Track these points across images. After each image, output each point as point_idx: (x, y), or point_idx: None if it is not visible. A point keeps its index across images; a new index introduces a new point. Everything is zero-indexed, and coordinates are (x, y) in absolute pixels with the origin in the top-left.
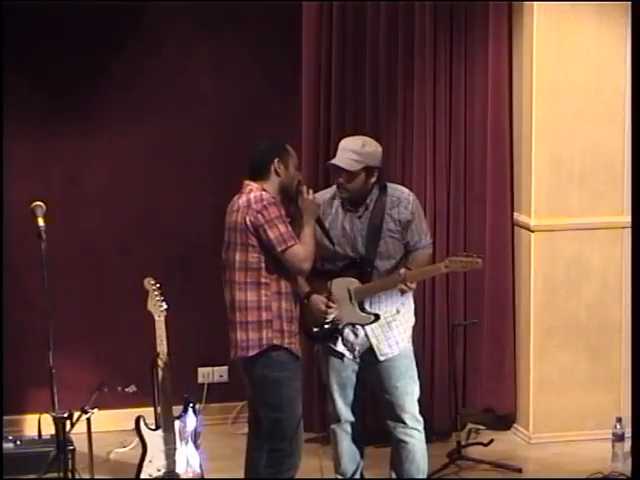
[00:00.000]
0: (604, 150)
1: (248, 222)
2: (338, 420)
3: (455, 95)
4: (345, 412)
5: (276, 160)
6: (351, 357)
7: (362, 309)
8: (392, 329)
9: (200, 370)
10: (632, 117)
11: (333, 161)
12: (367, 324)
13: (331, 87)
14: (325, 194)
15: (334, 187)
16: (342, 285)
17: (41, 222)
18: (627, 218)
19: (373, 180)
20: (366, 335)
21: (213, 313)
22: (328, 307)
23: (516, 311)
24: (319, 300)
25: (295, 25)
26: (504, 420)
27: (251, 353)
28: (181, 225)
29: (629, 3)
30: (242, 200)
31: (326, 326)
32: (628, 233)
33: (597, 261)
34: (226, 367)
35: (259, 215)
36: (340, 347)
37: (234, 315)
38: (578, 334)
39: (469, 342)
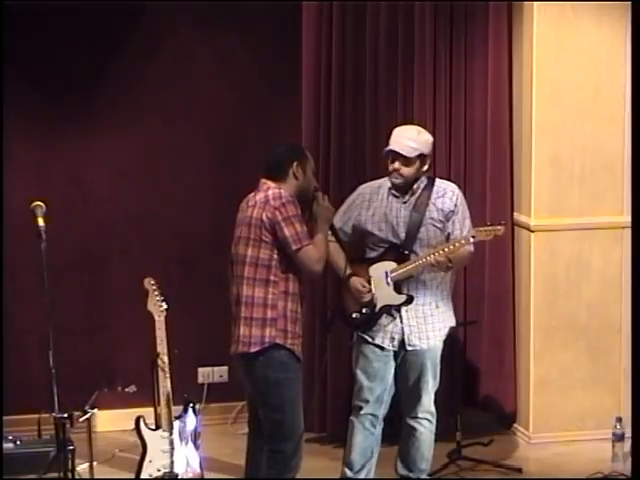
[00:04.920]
0: (604, 150)
1: (264, 218)
2: (359, 411)
3: (455, 95)
4: (370, 404)
5: (295, 163)
6: (390, 347)
7: (398, 291)
8: (427, 323)
9: (200, 370)
10: (632, 117)
11: (392, 147)
12: (401, 305)
13: (331, 87)
14: (374, 183)
15: (383, 179)
16: (380, 269)
17: (41, 222)
18: (627, 218)
19: (425, 168)
20: (402, 324)
21: (213, 313)
22: (363, 287)
23: (516, 311)
24: (357, 281)
25: (295, 25)
26: (504, 420)
27: (252, 350)
28: (181, 225)
29: (629, 3)
30: (259, 196)
31: (364, 310)
32: (628, 233)
33: (597, 261)
34: (226, 367)
35: (277, 212)
36: (378, 339)
37: (239, 310)
38: (578, 334)
39: (469, 342)
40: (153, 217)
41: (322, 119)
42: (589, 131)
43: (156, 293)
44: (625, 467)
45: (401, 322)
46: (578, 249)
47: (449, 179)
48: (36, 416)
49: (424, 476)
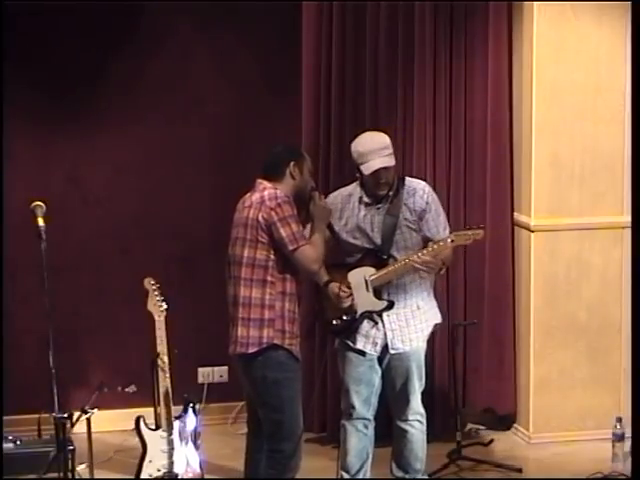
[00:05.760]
0: (604, 150)
1: (260, 218)
2: (350, 415)
3: (455, 95)
4: (359, 408)
5: (292, 163)
6: (372, 351)
7: (378, 297)
8: (409, 326)
9: (200, 370)
10: (632, 117)
11: (379, 165)
12: (381, 310)
13: (331, 87)
14: (343, 191)
15: (352, 185)
16: (359, 274)
17: (41, 222)
18: (627, 218)
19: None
20: (384, 328)
21: (213, 313)
22: (343, 292)
23: (516, 311)
24: (336, 287)
25: (295, 25)
26: (504, 420)
27: (250, 350)
28: (181, 225)
29: (629, 3)
30: (255, 197)
31: (344, 317)
32: (628, 233)
33: (597, 261)
34: (226, 367)
35: (272, 212)
36: (360, 344)
37: (236, 311)
38: (578, 334)
39: (469, 342)
40: (153, 217)
41: (322, 119)
42: (589, 131)
43: (156, 293)
44: (625, 467)
45: (383, 327)
46: (578, 249)
47: (449, 179)
48: (36, 416)
49: (420, 476)
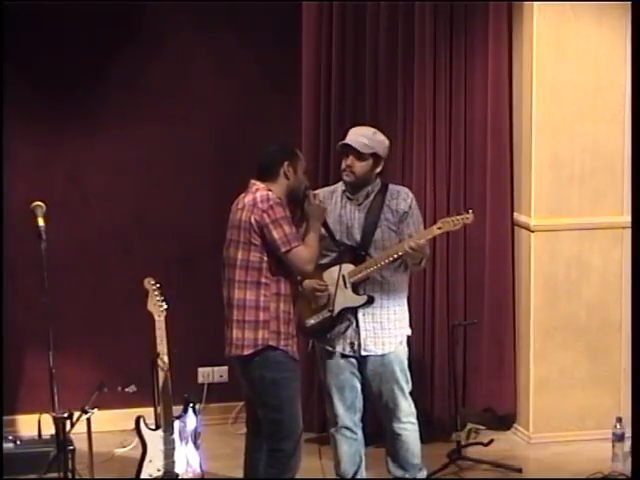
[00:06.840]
0: (604, 150)
1: (253, 221)
2: (336, 424)
3: (455, 95)
4: (344, 415)
5: (286, 163)
6: (351, 353)
7: (357, 293)
8: (384, 329)
9: (200, 370)
10: (632, 117)
11: (346, 140)
12: (361, 306)
13: (331, 87)
14: (327, 189)
15: (337, 184)
16: (336, 272)
17: (41, 222)
18: (627, 218)
19: (378, 170)
20: (358, 328)
21: (213, 313)
22: (320, 285)
23: (516, 311)
24: (312, 282)
25: (295, 25)
26: (504, 420)
27: (246, 352)
28: (181, 225)
29: (629, 3)
30: (248, 199)
31: (321, 316)
32: (628, 233)
33: (597, 261)
34: (226, 367)
35: (264, 214)
36: (339, 347)
37: (231, 313)
38: (578, 334)
39: (469, 342)
40: (153, 217)
41: (322, 119)
42: (589, 131)
43: (156, 293)
44: (625, 467)
45: (357, 326)
46: (578, 249)
47: (449, 179)
48: (36, 416)
49: (418, 470)
